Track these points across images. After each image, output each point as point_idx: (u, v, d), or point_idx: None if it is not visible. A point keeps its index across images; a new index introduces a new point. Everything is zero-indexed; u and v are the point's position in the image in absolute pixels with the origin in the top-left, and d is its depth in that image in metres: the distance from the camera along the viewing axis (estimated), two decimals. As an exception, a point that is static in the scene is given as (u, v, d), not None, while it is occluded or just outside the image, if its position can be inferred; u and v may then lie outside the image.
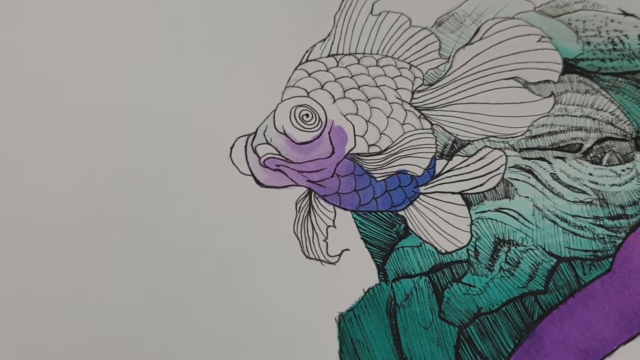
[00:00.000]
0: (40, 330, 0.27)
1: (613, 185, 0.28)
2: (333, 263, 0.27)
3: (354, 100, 0.29)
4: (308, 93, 0.29)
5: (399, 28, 0.30)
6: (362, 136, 0.28)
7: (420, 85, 0.29)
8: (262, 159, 0.28)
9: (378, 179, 0.28)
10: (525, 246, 0.27)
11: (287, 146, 0.28)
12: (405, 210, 0.28)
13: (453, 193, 0.28)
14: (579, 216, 0.27)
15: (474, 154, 0.28)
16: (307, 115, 0.29)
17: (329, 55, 0.30)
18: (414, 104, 0.29)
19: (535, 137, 0.28)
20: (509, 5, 0.30)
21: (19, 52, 0.30)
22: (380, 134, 0.29)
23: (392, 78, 0.29)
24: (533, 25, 0.29)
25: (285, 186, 0.28)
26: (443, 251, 0.27)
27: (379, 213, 0.28)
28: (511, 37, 0.29)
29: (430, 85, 0.29)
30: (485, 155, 0.28)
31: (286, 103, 0.29)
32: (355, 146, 0.28)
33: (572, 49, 0.29)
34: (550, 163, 0.28)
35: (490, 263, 0.27)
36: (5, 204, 0.28)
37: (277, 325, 0.27)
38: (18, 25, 0.30)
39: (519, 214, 0.28)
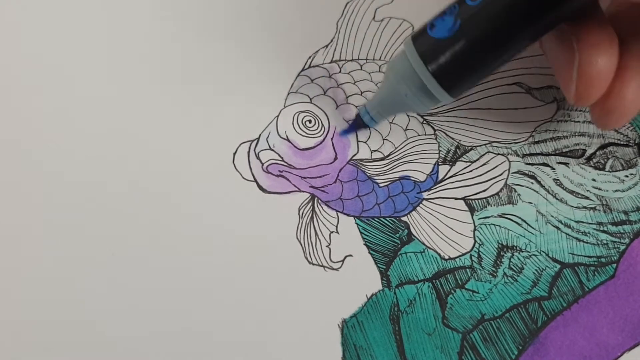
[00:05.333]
0: (42, 335, 0.27)
1: (616, 191, 0.28)
2: (336, 269, 0.27)
3: (357, 106, 0.29)
4: (311, 99, 0.29)
5: (401, 34, 0.30)
6: (365, 142, 0.28)
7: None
8: (265, 165, 0.28)
9: (381, 185, 0.28)
10: (529, 252, 0.27)
11: (290, 152, 0.28)
12: (409, 216, 0.28)
13: (456, 199, 0.28)
14: (583, 222, 0.27)
15: (477, 159, 0.28)
16: (310, 121, 0.29)
17: (331, 61, 0.30)
18: (416, 110, 0.29)
19: (538, 142, 0.28)
20: (512, 11, 0.30)
21: (17, 57, 0.30)
22: (383, 139, 0.29)
23: (395, 84, 0.29)
24: (536, 31, 0.29)
25: (288, 192, 0.28)
26: (446, 257, 0.27)
27: (382, 219, 0.28)
28: (514, 42, 0.29)
29: (433, 91, 0.29)
30: (488, 161, 0.28)
31: (289, 109, 0.29)
32: (358, 152, 0.28)
33: (574, 54, 0.29)
34: (554, 169, 0.28)
35: (493, 269, 0.27)
36: (6, 208, 0.28)
37: (279, 332, 0.26)
38: (14, 24, 0.30)
39: (522, 220, 0.27)
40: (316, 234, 0.27)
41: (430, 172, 0.28)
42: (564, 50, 0.22)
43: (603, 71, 0.22)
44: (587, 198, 0.28)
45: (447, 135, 0.29)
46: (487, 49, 0.22)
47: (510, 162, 0.28)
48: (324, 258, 0.27)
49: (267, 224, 0.28)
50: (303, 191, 0.28)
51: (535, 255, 0.27)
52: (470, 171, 0.28)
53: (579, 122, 0.28)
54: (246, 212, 0.28)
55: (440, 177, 0.28)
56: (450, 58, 0.22)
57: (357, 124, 0.27)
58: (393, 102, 0.25)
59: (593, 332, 0.26)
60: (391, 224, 0.28)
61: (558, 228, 0.27)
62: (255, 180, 0.28)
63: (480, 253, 0.27)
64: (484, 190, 0.28)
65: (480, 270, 0.27)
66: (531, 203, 0.28)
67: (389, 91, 0.25)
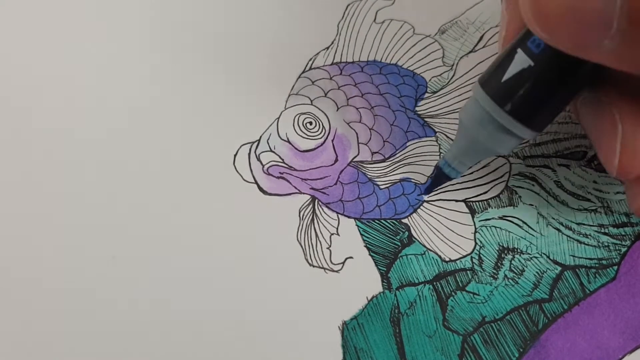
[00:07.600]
0: (42, 339, 0.27)
1: (617, 193, 0.28)
2: (336, 271, 0.27)
3: (357, 108, 0.29)
4: (312, 101, 0.29)
5: (402, 36, 0.30)
6: (366, 144, 0.28)
7: (423, 93, 0.29)
8: (266, 167, 0.28)
9: (382, 187, 0.28)
10: (530, 254, 0.27)
11: (291, 154, 0.28)
12: (409, 218, 0.28)
13: (457, 201, 0.28)
14: (584, 224, 0.27)
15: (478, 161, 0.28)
16: (310, 123, 0.29)
17: (332, 63, 0.30)
18: (417, 112, 0.29)
19: (539, 144, 0.28)
20: (513, 13, 0.30)
21: (19, 52, 0.30)
22: (384, 141, 0.29)
23: (396, 86, 0.29)
24: (536, 33, 0.29)
25: (289, 194, 0.28)
26: (447, 259, 0.27)
27: (382, 221, 0.28)
28: (515, 44, 0.29)
29: (434, 92, 0.29)
30: (489, 163, 0.28)
31: (290, 111, 0.29)
32: (358, 154, 0.28)
33: (575, 56, 0.29)
34: (555, 171, 0.28)
35: (494, 271, 0.27)
36: (6, 211, 0.28)
37: (280, 334, 0.26)
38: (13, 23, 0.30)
39: (523, 222, 0.27)
40: (317, 235, 0.27)
41: (431, 174, 0.28)
42: (602, 120, 0.22)
43: None
44: (588, 200, 0.28)
45: (448, 137, 0.28)
46: (555, 79, 0.21)
47: (511, 164, 0.28)
48: (325, 260, 0.27)
49: (267, 226, 0.28)
50: (304, 193, 0.28)
51: (536, 257, 0.27)
52: (471, 173, 0.28)
53: (579, 124, 0.28)
54: (246, 214, 0.28)
55: (441, 179, 0.28)
56: (523, 92, 0.21)
57: (438, 178, 0.26)
58: (474, 150, 0.24)
59: (594, 335, 0.26)
60: (392, 226, 0.28)
61: (559, 230, 0.27)
62: (256, 182, 0.28)
63: (481, 255, 0.27)
64: (485, 193, 0.28)
65: (481, 272, 0.27)
66: (532, 205, 0.28)
67: (467, 139, 0.24)
